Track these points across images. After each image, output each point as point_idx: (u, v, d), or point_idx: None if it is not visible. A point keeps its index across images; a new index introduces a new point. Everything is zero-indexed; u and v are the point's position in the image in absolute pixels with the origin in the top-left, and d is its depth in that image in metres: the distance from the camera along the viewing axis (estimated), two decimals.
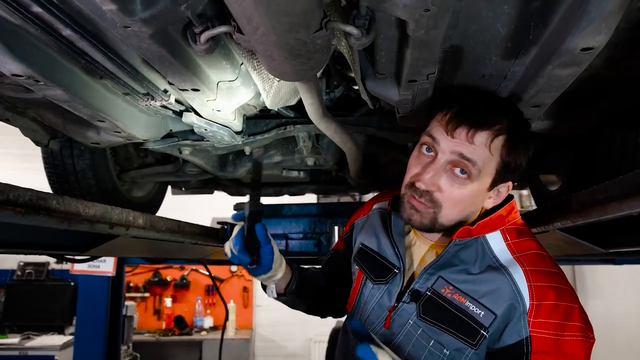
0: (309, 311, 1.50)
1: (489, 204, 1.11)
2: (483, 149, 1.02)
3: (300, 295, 1.37)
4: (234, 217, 1.26)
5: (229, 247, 1.23)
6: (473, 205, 1.10)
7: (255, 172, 1.14)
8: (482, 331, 1.00)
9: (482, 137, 1.02)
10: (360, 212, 1.45)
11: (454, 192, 1.04)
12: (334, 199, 4.94)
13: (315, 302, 1.45)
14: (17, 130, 1.57)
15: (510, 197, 1.16)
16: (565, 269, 6.64)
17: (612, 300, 5.95)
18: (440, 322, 1.05)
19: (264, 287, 1.39)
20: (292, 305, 1.44)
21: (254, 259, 1.23)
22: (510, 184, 1.10)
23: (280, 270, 1.28)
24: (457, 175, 1.03)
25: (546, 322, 0.96)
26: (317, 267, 1.57)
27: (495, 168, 1.05)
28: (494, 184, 1.07)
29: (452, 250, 1.10)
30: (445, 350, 1.03)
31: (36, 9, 0.85)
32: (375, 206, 1.40)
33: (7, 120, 1.47)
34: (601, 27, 0.78)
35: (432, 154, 1.07)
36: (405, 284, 1.16)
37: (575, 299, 1.00)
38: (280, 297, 1.37)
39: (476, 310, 1.02)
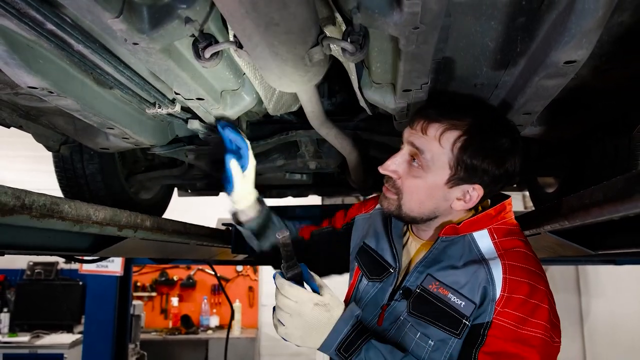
0: (259, 255, 1.52)
1: (459, 205, 1.14)
2: (433, 140, 1.09)
3: (260, 237, 1.47)
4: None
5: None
6: (432, 199, 1.13)
7: (285, 252, 1.13)
8: (464, 321, 1.05)
9: (433, 128, 1.09)
10: (362, 208, 1.48)
11: (409, 180, 1.13)
12: (338, 200, 4.97)
13: (272, 250, 1.48)
14: (26, 133, 1.62)
15: (505, 197, 1.20)
16: (569, 269, 6.64)
17: (614, 300, 5.94)
18: (426, 315, 1.10)
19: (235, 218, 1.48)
20: (248, 240, 1.50)
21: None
22: (480, 189, 1.11)
23: (245, 200, 1.41)
24: (413, 165, 1.12)
25: (511, 314, 1.00)
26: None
27: (448, 163, 1.09)
28: (454, 182, 1.10)
29: (439, 246, 1.15)
30: (430, 342, 1.08)
31: (50, 26, 0.90)
32: (377, 206, 1.42)
33: (20, 127, 1.53)
34: (582, 42, 0.82)
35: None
36: (398, 283, 1.21)
37: (548, 301, 1.02)
38: (239, 225, 1.47)
39: (457, 301, 1.06)
